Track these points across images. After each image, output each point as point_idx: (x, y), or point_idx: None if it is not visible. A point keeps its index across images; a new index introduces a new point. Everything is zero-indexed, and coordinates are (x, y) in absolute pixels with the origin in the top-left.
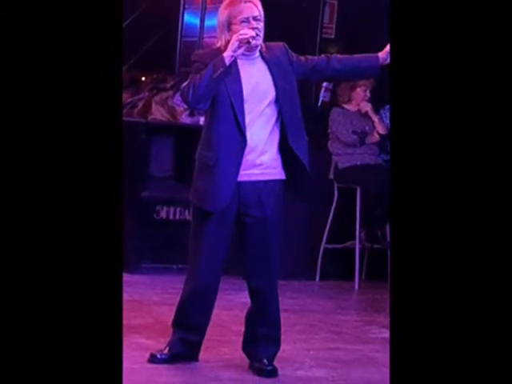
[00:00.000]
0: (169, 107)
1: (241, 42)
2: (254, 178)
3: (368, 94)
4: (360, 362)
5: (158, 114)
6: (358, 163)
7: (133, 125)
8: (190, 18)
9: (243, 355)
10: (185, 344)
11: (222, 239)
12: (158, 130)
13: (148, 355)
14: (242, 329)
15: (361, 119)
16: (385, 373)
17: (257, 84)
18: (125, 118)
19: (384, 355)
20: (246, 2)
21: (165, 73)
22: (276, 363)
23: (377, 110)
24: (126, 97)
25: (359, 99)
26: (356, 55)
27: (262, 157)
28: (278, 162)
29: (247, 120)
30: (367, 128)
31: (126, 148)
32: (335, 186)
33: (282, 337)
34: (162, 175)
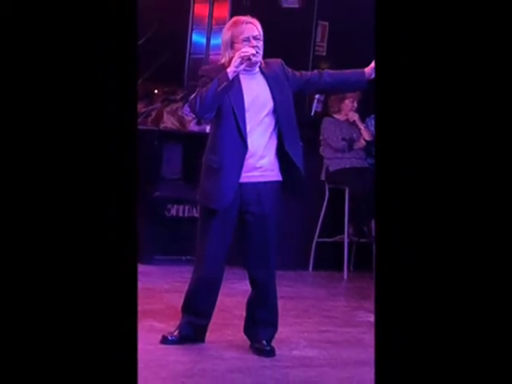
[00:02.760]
0: (178, 117)
1: (242, 59)
2: (254, 180)
3: (355, 104)
4: (348, 343)
5: (168, 122)
6: (347, 166)
7: (146, 132)
8: (197, 37)
9: (244, 337)
10: (193, 327)
11: (226, 234)
12: (169, 137)
13: (160, 337)
14: (244, 313)
15: (349, 127)
16: (371, 352)
17: (257, 96)
18: (139, 127)
19: (370, 337)
20: (247, 23)
21: (175, 86)
22: (274, 344)
23: (363, 119)
24: (141, 107)
25: (347, 109)
26: (345, 70)
27: (261, 161)
28: (276, 166)
29: (248, 128)
30: (354, 135)
31: (140, 153)
32: (326, 186)
33: (279, 320)
34: (172, 177)
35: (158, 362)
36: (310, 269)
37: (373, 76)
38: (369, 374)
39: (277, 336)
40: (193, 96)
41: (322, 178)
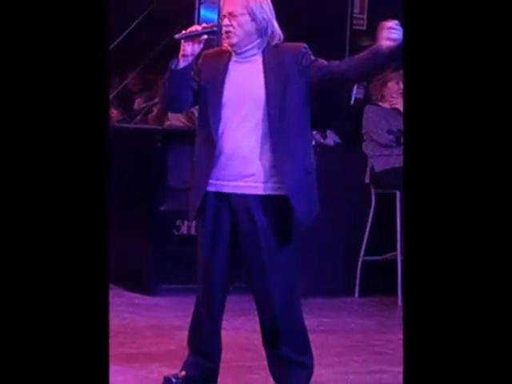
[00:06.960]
0: (187, 112)
1: (188, 40)
2: (239, 191)
3: (401, 86)
4: None
5: (175, 119)
6: (397, 165)
7: (148, 132)
8: (206, 13)
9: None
10: (200, 368)
11: (219, 250)
12: (176, 137)
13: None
14: None
15: (397, 117)
16: None
17: (243, 87)
18: (139, 126)
19: None
20: None
21: None
22: None
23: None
24: (140, 102)
25: (393, 93)
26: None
27: (250, 167)
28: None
29: (221, 126)
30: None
31: (141, 158)
32: (372, 191)
33: (318, 360)
34: (182, 186)
35: None
36: (356, 295)
37: (389, 44)
38: None
39: (314, 379)
40: None
41: (367, 180)
